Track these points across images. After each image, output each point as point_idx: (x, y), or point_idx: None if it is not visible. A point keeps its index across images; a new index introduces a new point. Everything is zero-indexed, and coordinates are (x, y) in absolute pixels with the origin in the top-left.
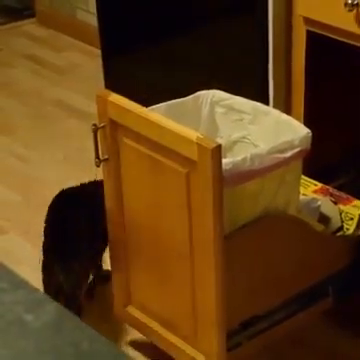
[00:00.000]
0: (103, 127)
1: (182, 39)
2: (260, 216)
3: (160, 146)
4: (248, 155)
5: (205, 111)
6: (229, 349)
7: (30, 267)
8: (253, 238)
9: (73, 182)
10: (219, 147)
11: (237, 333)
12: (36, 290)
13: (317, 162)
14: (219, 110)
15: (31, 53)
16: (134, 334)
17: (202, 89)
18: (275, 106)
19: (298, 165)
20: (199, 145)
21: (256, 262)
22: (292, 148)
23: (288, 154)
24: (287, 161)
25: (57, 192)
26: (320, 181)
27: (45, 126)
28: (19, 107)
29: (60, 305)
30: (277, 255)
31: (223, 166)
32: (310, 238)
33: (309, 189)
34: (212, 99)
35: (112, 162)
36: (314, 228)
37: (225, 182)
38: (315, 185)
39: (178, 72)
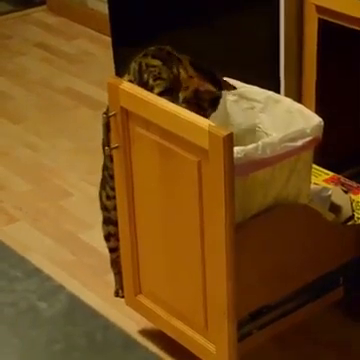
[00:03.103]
0: (114, 115)
1: (193, 27)
2: (271, 205)
3: (171, 134)
4: (260, 144)
5: None
6: (239, 339)
7: (41, 255)
8: (264, 227)
9: (83, 170)
10: (231, 135)
11: (247, 323)
12: (49, 278)
13: (328, 151)
14: (230, 98)
15: (42, 41)
16: (146, 323)
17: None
18: (287, 94)
19: (309, 154)
20: (211, 133)
21: (267, 252)
22: (303, 137)
23: (299, 143)
24: (298, 150)
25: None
26: (331, 170)
27: (55, 115)
28: (29, 96)
29: (73, 293)
30: (288, 245)
31: (235, 155)
32: (321, 227)
33: (320, 178)
34: None
35: (123, 150)
36: (325, 217)
37: (236, 171)
38: (326, 174)
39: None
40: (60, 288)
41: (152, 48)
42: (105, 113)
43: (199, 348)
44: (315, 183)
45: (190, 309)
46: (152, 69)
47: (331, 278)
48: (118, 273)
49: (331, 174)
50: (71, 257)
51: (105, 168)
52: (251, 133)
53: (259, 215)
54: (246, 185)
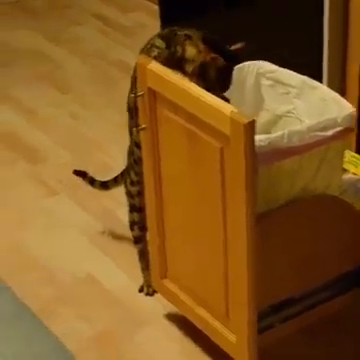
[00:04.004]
0: (142, 96)
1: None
2: (298, 196)
3: (196, 118)
4: (286, 132)
5: (250, 83)
6: (261, 331)
7: (78, 230)
8: (289, 218)
9: (125, 144)
10: (253, 123)
11: (269, 315)
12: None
13: None
14: (265, 82)
15: (99, 12)
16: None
17: (255, 59)
18: (330, 80)
19: (341, 144)
20: (232, 120)
21: (292, 243)
22: (334, 126)
23: (329, 133)
24: (328, 140)
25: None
26: None
27: (105, 86)
28: (81, 66)
29: (16, 295)
30: (316, 236)
31: (257, 143)
32: (352, 220)
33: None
34: (258, 71)
35: (150, 131)
36: (357, 210)
37: (260, 159)
38: None
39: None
40: (3, 289)
41: (166, 29)
42: (133, 93)
43: (220, 337)
44: (354, 173)
45: (212, 297)
46: (155, 49)
47: None
48: (145, 268)
49: None
50: (106, 234)
51: (131, 153)
52: (285, 119)
53: (284, 206)
54: (271, 174)
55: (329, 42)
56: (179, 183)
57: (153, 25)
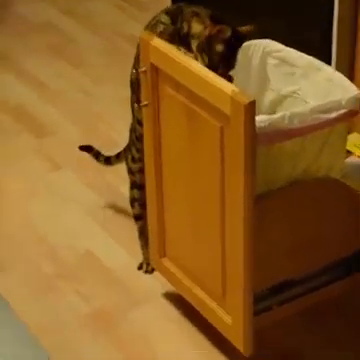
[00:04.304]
0: (144, 72)
1: None
2: (300, 178)
3: (197, 96)
4: (287, 113)
5: (256, 61)
6: (258, 313)
7: (80, 205)
8: (289, 200)
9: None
10: (253, 103)
11: (267, 297)
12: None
13: None
14: (271, 61)
15: None
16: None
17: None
18: (338, 60)
19: (344, 127)
20: (233, 99)
21: (292, 225)
22: (338, 109)
23: (333, 115)
24: (331, 122)
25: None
26: None
27: (117, 61)
28: (94, 40)
29: None
30: (316, 220)
31: (258, 123)
32: (354, 204)
33: None
34: (264, 49)
35: (152, 108)
36: (359, 194)
37: (260, 140)
38: None
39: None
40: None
41: (173, 5)
42: (135, 68)
43: (216, 318)
44: (359, 156)
45: (209, 277)
46: (160, 25)
47: None
48: (145, 245)
49: None
50: (108, 210)
51: (133, 130)
52: (290, 99)
53: (285, 188)
54: (271, 155)
55: (338, 24)
56: (179, 161)
57: (169, 1)
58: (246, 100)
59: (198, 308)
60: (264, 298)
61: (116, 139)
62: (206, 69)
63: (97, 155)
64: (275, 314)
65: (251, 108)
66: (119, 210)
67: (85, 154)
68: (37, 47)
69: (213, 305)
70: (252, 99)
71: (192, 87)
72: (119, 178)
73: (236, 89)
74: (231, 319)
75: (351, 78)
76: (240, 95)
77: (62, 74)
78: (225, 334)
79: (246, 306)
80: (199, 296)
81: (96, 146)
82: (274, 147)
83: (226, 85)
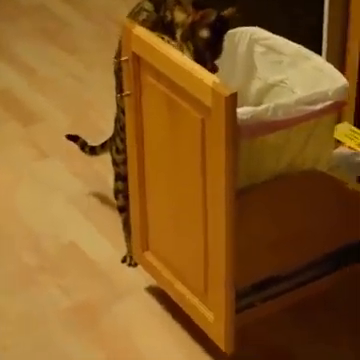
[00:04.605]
0: (126, 61)
1: None
2: (284, 171)
3: (178, 87)
4: (271, 105)
5: (242, 49)
6: (239, 310)
7: (66, 195)
8: (273, 194)
9: None
10: (235, 95)
11: (250, 294)
12: None
13: None
14: (258, 49)
15: None
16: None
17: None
18: (328, 53)
19: (331, 118)
20: (214, 91)
21: (277, 220)
22: (324, 100)
23: (318, 106)
24: (317, 114)
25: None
26: None
27: (110, 47)
28: (88, 24)
29: None
30: (302, 213)
31: (240, 116)
32: (341, 197)
33: (355, 141)
34: (251, 37)
35: (134, 98)
36: (346, 186)
37: (242, 133)
38: None
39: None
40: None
41: None
42: (116, 57)
43: (197, 314)
44: (349, 147)
45: (191, 273)
46: (143, 12)
47: (353, 250)
48: (129, 238)
49: None
50: (95, 201)
51: (117, 120)
52: (277, 89)
53: (268, 182)
54: (254, 148)
55: (329, 17)
56: (161, 153)
57: None
58: (227, 92)
59: (180, 304)
60: (247, 294)
61: (105, 128)
62: (188, 59)
63: (83, 145)
64: (258, 311)
65: (232, 100)
66: (105, 201)
67: (72, 143)
68: (28, 31)
69: (195, 301)
70: (234, 91)
71: (173, 77)
72: (107, 168)
73: (217, 80)
74: (213, 316)
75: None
76: (221, 87)
77: (53, 60)
78: (207, 331)
79: (228, 303)
80: (181, 291)
81: (85, 135)
82: (257, 140)
83: (207, 76)
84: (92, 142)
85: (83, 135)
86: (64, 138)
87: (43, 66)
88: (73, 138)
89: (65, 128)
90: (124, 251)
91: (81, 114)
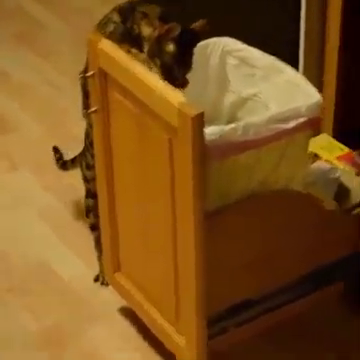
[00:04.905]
0: (92, 76)
1: None
2: (257, 191)
3: (145, 106)
4: (241, 124)
5: (215, 61)
6: (213, 335)
7: (36, 210)
8: (244, 215)
9: None
10: (201, 115)
11: (223, 318)
12: None
13: (349, 124)
14: (231, 61)
15: None
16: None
17: None
18: (306, 62)
19: (305, 136)
20: (180, 111)
21: (249, 241)
22: (297, 117)
23: (291, 124)
24: (290, 132)
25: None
26: (350, 146)
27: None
28: (65, 27)
29: None
30: (275, 234)
31: (208, 136)
32: (316, 216)
33: (334, 154)
34: (224, 48)
35: (101, 115)
36: (322, 205)
37: (211, 154)
38: (341, 150)
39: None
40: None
41: (125, 3)
42: (82, 72)
43: (169, 339)
44: (327, 160)
45: (162, 296)
46: (111, 24)
47: (329, 272)
48: (101, 256)
49: (346, 150)
50: (66, 216)
51: (87, 136)
52: (251, 103)
53: (239, 202)
54: (224, 168)
55: (306, 28)
56: (130, 170)
57: None
58: (193, 112)
59: (151, 327)
60: (221, 319)
61: (81, 136)
62: (155, 76)
63: (59, 158)
64: (232, 337)
65: (199, 120)
66: (77, 217)
67: (45, 154)
68: (2, 34)
69: (166, 325)
70: (200, 111)
71: (139, 95)
72: (79, 182)
73: (183, 99)
74: (184, 341)
75: (319, 81)
76: (187, 106)
77: (29, 66)
78: (178, 356)
79: (199, 328)
80: (152, 315)
81: (59, 143)
82: (228, 160)
83: (173, 95)
84: (66, 150)
85: (58, 143)
86: (36, 149)
87: (18, 72)
88: (55, 150)
89: (38, 138)
90: (97, 269)
91: (56, 121)
